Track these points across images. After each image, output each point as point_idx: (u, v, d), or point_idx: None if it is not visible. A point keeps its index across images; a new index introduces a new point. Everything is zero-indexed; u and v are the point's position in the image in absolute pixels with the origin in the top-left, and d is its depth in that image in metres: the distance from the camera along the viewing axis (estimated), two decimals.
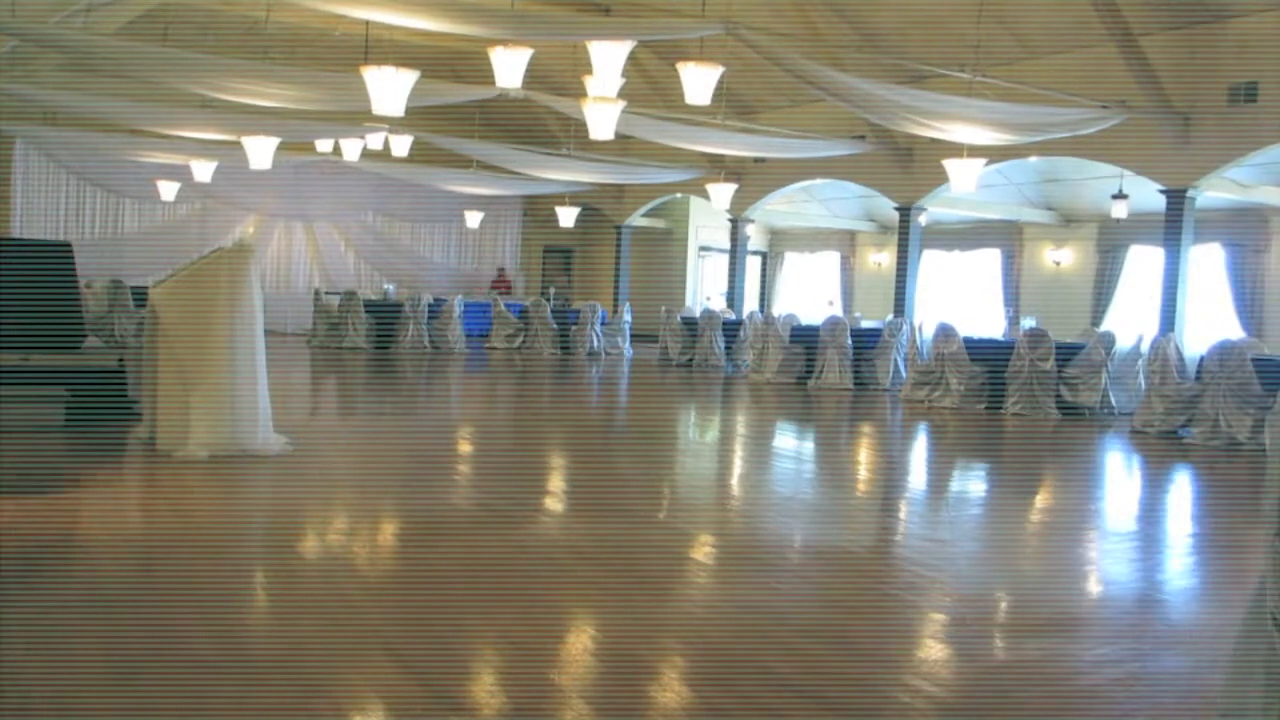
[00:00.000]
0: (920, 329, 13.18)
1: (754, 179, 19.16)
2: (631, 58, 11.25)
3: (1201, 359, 10.56)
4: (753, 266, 23.23)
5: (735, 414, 11.92)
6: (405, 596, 4.19)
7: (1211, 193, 13.33)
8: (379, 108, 10.40)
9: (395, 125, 15.59)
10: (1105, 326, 15.16)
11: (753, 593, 4.45)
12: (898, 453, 9.56)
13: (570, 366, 16.67)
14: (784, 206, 21.36)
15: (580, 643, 3.77)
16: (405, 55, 11.62)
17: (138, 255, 19.58)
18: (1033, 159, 15.32)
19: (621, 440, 9.86)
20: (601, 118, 11.46)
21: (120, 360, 8.28)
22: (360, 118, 14.79)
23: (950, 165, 12.98)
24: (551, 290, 20.81)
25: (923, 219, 16.95)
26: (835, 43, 14.23)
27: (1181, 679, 3.74)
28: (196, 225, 20.90)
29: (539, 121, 20.30)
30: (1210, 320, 14.46)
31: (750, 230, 21.02)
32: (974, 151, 12.81)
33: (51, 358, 7.71)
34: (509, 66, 10.46)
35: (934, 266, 20.00)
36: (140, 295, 15.60)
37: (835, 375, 14.03)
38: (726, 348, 16.75)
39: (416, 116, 14.09)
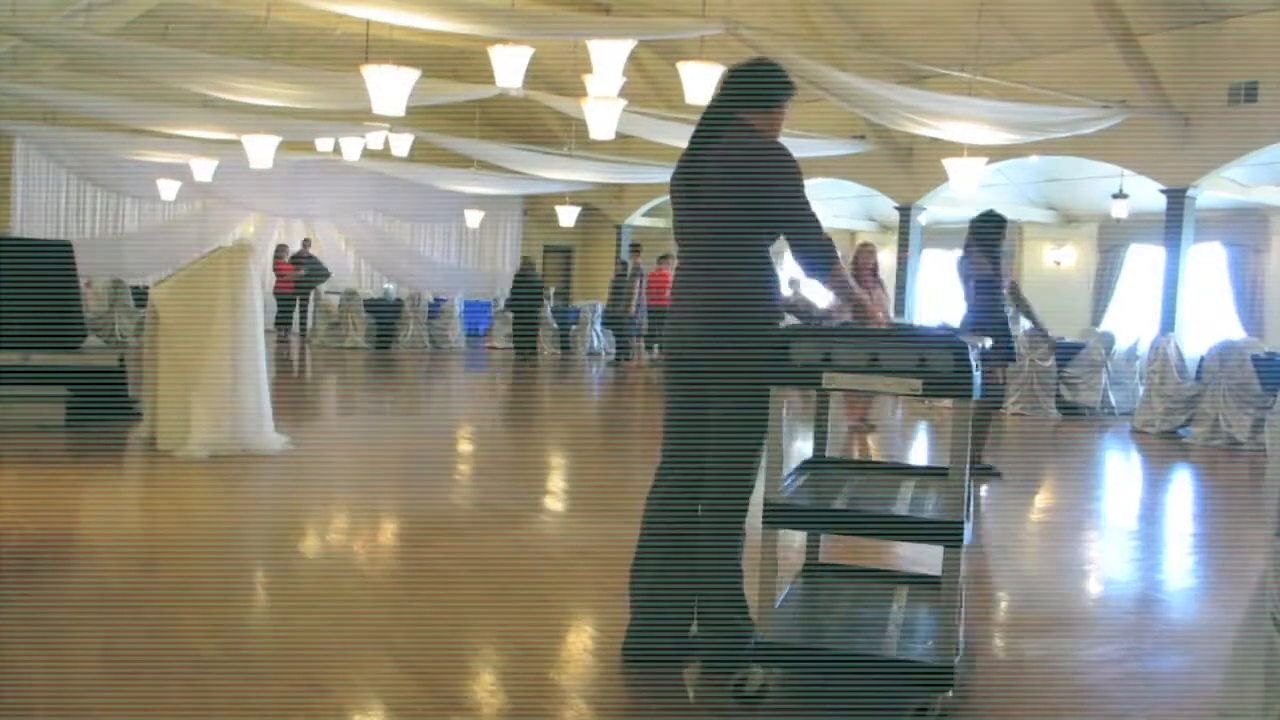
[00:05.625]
0: None
1: None
2: (632, 57, 11.25)
3: (1201, 359, 10.56)
4: None
5: None
6: (406, 595, 4.19)
7: (1211, 193, 13.32)
8: (379, 107, 10.40)
9: (395, 124, 15.59)
10: (1105, 326, 15.16)
11: (752, 592, 4.44)
12: (898, 452, 9.56)
13: (571, 365, 16.66)
14: None
15: (581, 642, 3.77)
16: (405, 54, 11.61)
17: (138, 254, 19.59)
18: (1033, 159, 15.30)
19: (622, 439, 9.86)
20: (602, 117, 11.47)
21: (120, 359, 8.28)
22: (360, 117, 14.78)
23: (950, 165, 12.97)
24: (552, 290, 20.74)
25: (923, 219, 16.93)
26: (835, 42, 14.21)
27: (1181, 679, 3.74)
28: (197, 224, 20.90)
29: (539, 121, 20.28)
30: (1210, 319, 14.44)
31: None
32: (974, 151, 12.80)
33: (52, 357, 7.71)
34: (509, 65, 10.46)
35: (934, 266, 19.99)
36: (140, 294, 15.62)
37: None
38: None
39: (417, 115, 14.08)
